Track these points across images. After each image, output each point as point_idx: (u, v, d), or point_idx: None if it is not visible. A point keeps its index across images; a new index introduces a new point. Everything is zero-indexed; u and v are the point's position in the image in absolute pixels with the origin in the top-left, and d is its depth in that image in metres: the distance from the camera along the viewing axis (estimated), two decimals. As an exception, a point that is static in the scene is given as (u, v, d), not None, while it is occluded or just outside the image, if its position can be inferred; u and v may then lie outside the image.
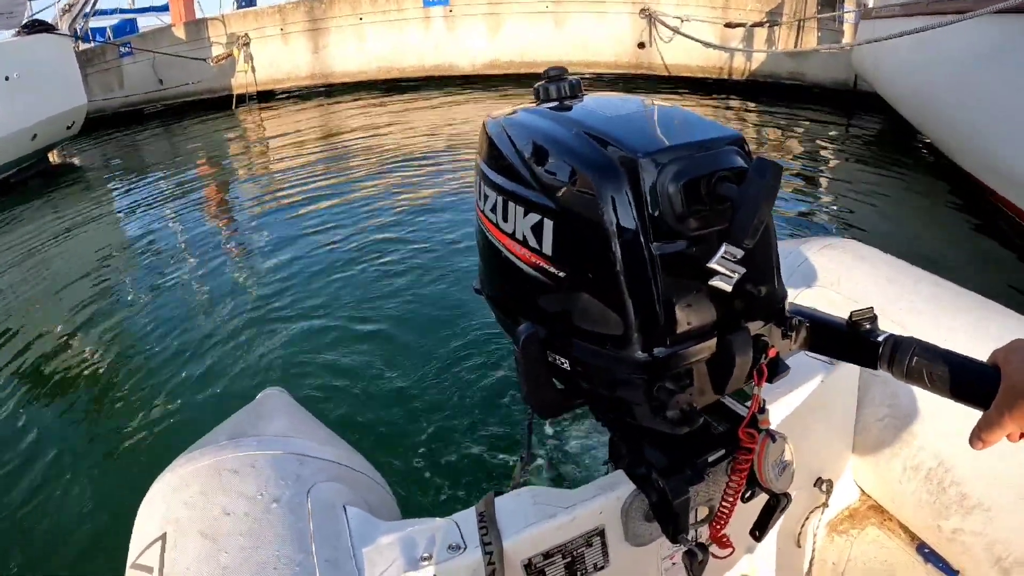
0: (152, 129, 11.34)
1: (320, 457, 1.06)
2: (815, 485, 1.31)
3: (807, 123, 8.56)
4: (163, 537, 0.90)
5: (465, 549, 0.89)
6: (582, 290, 0.78)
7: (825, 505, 1.33)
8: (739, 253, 0.70)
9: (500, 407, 2.96)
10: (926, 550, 1.27)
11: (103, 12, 17.49)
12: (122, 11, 18.95)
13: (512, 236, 0.85)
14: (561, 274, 0.80)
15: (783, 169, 0.73)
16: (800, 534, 1.34)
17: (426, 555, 0.87)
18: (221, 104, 12.29)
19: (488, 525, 0.89)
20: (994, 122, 4.58)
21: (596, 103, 0.91)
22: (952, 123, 5.39)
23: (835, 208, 5.73)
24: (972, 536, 1.15)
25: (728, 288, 0.71)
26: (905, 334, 0.79)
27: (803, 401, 1.18)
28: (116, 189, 7.89)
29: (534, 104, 0.94)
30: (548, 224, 0.79)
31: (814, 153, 7.51)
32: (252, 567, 0.83)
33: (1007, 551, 1.10)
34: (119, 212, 6.98)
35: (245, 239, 5.64)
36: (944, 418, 1.21)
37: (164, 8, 14.35)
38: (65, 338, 4.14)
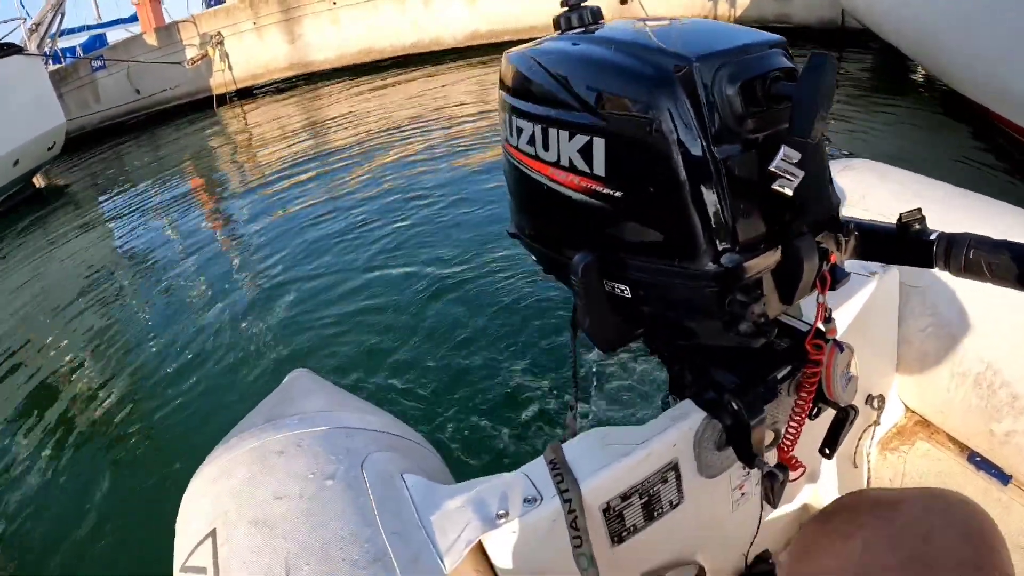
0: (135, 140, 11.29)
1: (367, 428, 1.02)
2: (867, 403, 1.30)
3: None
4: (212, 533, 0.84)
5: (542, 500, 0.84)
6: (641, 208, 0.75)
7: (877, 423, 1.33)
8: (797, 156, 0.67)
9: (534, 360, 2.92)
10: (977, 459, 1.26)
11: (71, 31, 17.40)
12: (89, 27, 18.83)
13: (556, 164, 0.81)
14: (617, 194, 0.76)
15: (838, 63, 0.68)
16: (856, 454, 1.34)
17: (502, 511, 0.83)
18: (202, 106, 12.24)
19: (562, 472, 0.85)
20: (1000, 46, 4.50)
21: (625, 25, 0.87)
22: (954, 50, 5.31)
23: (841, 139, 5.68)
24: None
25: (789, 192, 0.68)
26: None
27: (849, 317, 1.15)
28: (106, 205, 7.83)
29: (556, 34, 0.90)
30: (598, 143, 0.75)
31: (809, 91, 7.45)
32: (315, 550, 0.78)
33: None
34: (112, 227, 6.93)
35: (243, 237, 5.60)
36: (987, 321, 1.19)
37: (132, 19, 14.28)
38: (73, 353, 4.13)
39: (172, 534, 0.93)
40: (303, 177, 6.66)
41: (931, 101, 6.27)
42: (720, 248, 0.72)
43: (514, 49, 0.92)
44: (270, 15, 12.40)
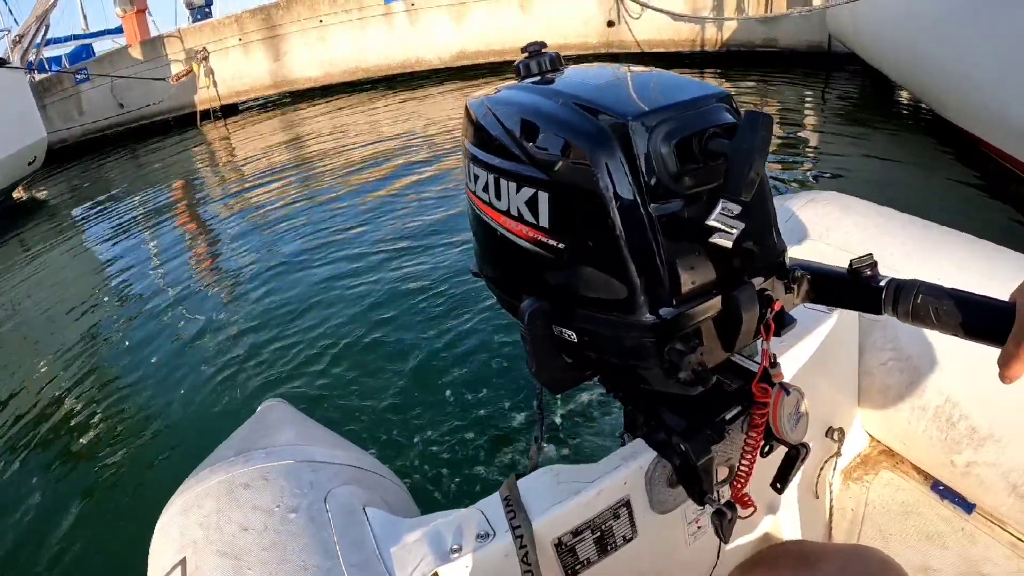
0: (117, 154, 11.23)
1: (332, 462, 1.05)
2: (826, 435, 1.32)
3: (785, 88, 8.62)
4: (182, 563, 0.88)
5: (495, 535, 0.88)
6: (583, 260, 0.78)
7: (838, 454, 1.34)
8: (736, 208, 0.69)
9: (504, 392, 2.95)
10: (941, 487, 1.28)
11: (57, 40, 17.36)
12: (76, 37, 18.76)
13: (507, 213, 0.84)
14: (560, 246, 0.79)
15: (774, 120, 0.72)
16: (817, 485, 1.36)
17: (456, 546, 0.86)
18: (186, 122, 12.19)
19: (515, 508, 0.88)
20: (987, 72, 4.55)
21: (579, 74, 0.91)
22: (940, 76, 5.34)
23: (821, 167, 5.76)
24: (986, 467, 1.16)
25: (728, 244, 0.71)
26: (904, 278, 0.80)
27: (807, 354, 1.18)
28: (86, 220, 7.79)
29: (516, 81, 0.93)
30: (543, 197, 0.78)
31: (794, 116, 7.55)
32: None
33: (1023, 477, 1.12)
34: (92, 243, 6.89)
35: (223, 257, 5.59)
36: (946, 355, 1.22)
37: (119, 30, 14.19)
38: (43, 375, 4.09)
39: (144, 563, 0.96)
40: (285, 198, 6.67)
41: (916, 127, 6.36)
42: (657, 300, 0.74)
43: (475, 95, 0.95)
44: (256, 31, 12.41)
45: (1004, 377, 0.67)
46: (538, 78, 0.92)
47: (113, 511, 2.80)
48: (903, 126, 6.58)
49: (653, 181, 0.73)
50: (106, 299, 5.23)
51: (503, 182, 0.83)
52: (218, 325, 4.20)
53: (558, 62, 0.94)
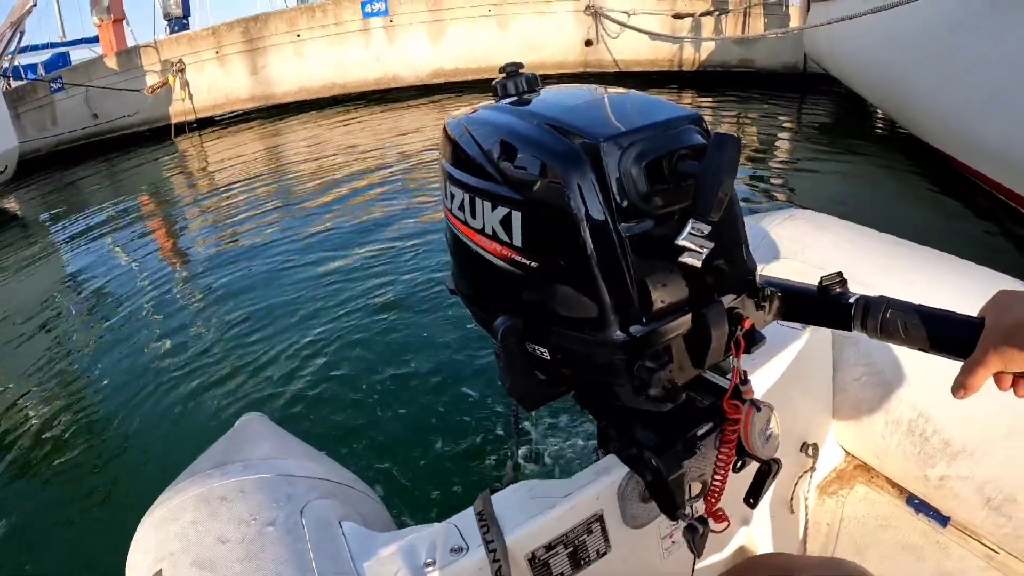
0: (91, 166, 11.01)
1: (309, 475, 1.05)
2: (801, 450, 1.34)
3: (761, 107, 8.77)
4: (159, 574, 0.88)
5: (468, 550, 0.88)
6: (555, 278, 0.80)
7: (813, 469, 1.37)
8: (706, 228, 0.71)
9: (481, 407, 2.95)
10: (916, 501, 1.31)
11: (34, 47, 17.13)
12: (53, 45, 18.56)
13: (481, 232, 0.86)
14: (533, 264, 0.80)
15: (742, 142, 0.74)
16: (792, 500, 1.38)
17: (429, 560, 0.87)
18: (160, 135, 12.02)
19: (488, 523, 0.89)
20: (962, 94, 4.62)
21: (554, 95, 0.93)
22: (915, 97, 5.42)
23: (796, 186, 5.87)
24: (959, 480, 1.19)
25: (698, 264, 0.72)
26: (874, 294, 0.82)
27: (780, 370, 1.20)
28: (58, 232, 7.64)
29: (494, 101, 0.95)
30: (516, 216, 0.80)
31: (770, 135, 7.68)
32: None
33: (996, 490, 1.14)
34: (63, 255, 6.76)
35: (198, 273, 5.52)
36: (918, 370, 1.25)
37: (96, 39, 14.01)
38: (14, 388, 4.00)
39: (121, 573, 0.96)
40: (260, 213, 6.62)
41: (890, 146, 6.49)
42: (628, 318, 0.76)
43: (454, 114, 0.96)
44: (233, 44, 12.33)
45: (959, 388, 0.70)
46: (515, 98, 0.93)
47: (90, 522, 2.76)
48: (877, 146, 6.72)
49: (624, 201, 0.75)
50: (78, 313, 5.15)
51: (478, 201, 0.85)
52: (194, 341, 4.15)
53: (535, 83, 0.96)
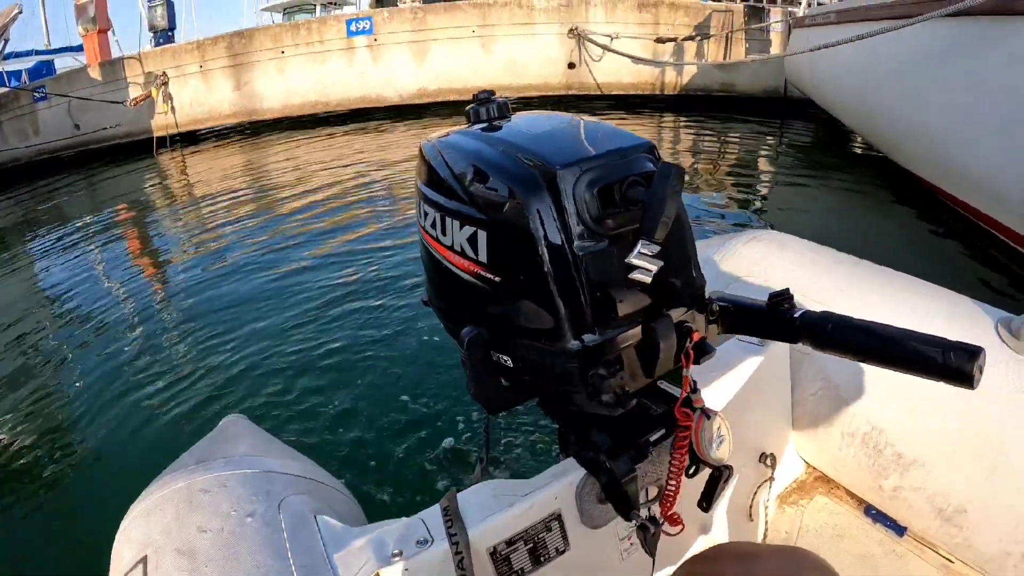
0: (71, 178, 10.90)
1: (288, 473, 1.11)
2: (760, 460, 1.39)
3: (742, 131, 8.88)
4: (143, 560, 0.93)
5: (433, 542, 0.94)
6: (517, 292, 0.86)
7: (772, 479, 1.41)
8: (655, 248, 0.76)
9: (451, 412, 3.04)
10: (873, 511, 1.35)
11: (18, 54, 16.93)
12: (37, 52, 18.38)
13: (451, 248, 0.92)
14: (496, 279, 0.87)
15: (685, 171, 0.83)
16: (751, 508, 1.42)
17: (396, 552, 0.92)
18: (142, 148, 11.90)
19: (453, 518, 0.95)
20: (941, 122, 4.70)
21: (523, 121, 1.00)
22: (895, 125, 5.51)
23: (771, 206, 5.99)
24: (912, 492, 1.24)
25: (647, 280, 0.77)
26: (833, 311, 0.87)
27: (739, 383, 1.26)
28: (35, 242, 7.58)
29: (466, 125, 1.02)
30: (482, 235, 0.87)
31: (750, 159, 7.77)
32: None
33: (947, 501, 1.19)
34: (40, 269, 6.68)
35: (175, 284, 5.53)
36: (872, 386, 1.31)
37: (81, 48, 13.89)
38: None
39: (106, 565, 1.01)
40: (240, 227, 6.64)
41: (867, 170, 6.62)
42: (581, 329, 0.82)
43: (430, 138, 1.03)
44: (218, 59, 12.29)
45: None
46: (485, 124, 1.01)
47: (76, 518, 2.79)
48: (853, 169, 6.84)
49: (578, 223, 0.82)
50: (54, 321, 5.13)
51: (448, 219, 0.92)
52: (173, 348, 4.18)
53: (505, 109, 1.03)
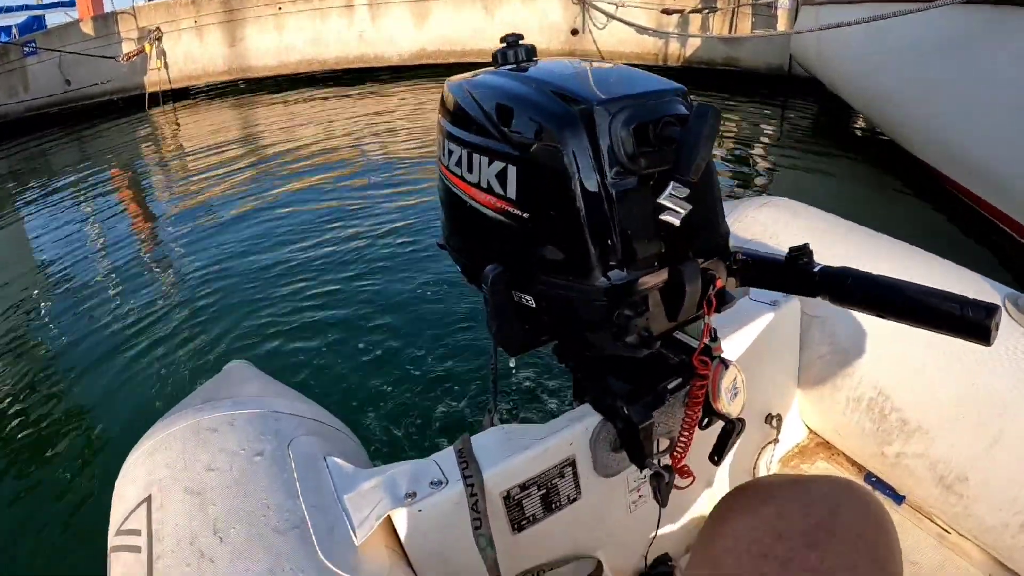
0: (61, 134, 10.72)
1: (296, 414, 1.09)
2: (765, 421, 1.41)
3: (744, 106, 8.81)
4: (147, 499, 0.90)
5: (447, 483, 0.93)
6: (545, 228, 0.85)
7: (776, 441, 1.43)
8: (686, 191, 0.76)
9: (460, 360, 3.06)
10: (873, 479, 1.37)
11: (9, 9, 16.57)
12: (28, 7, 18.03)
13: (477, 185, 0.91)
14: (525, 215, 0.86)
15: (722, 113, 0.80)
16: (755, 468, 1.44)
17: (410, 492, 0.92)
18: (134, 104, 11.71)
19: (468, 459, 0.94)
20: (949, 109, 4.68)
21: (551, 65, 0.99)
22: (902, 109, 5.47)
23: (774, 179, 5.98)
24: (914, 459, 1.25)
25: (676, 222, 0.77)
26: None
27: (749, 340, 1.26)
28: (23, 200, 7.43)
29: (493, 68, 1.01)
30: (512, 171, 0.86)
31: (752, 134, 7.73)
32: (242, 516, 0.85)
33: (948, 469, 1.20)
34: (31, 226, 6.58)
35: (171, 239, 5.47)
36: (880, 351, 1.31)
37: (72, 3, 13.59)
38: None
39: (109, 506, 0.98)
40: (234, 183, 6.58)
41: (869, 150, 6.61)
42: (610, 267, 0.82)
43: (454, 78, 1.01)
44: (213, 14, 12.05)
45: None
46: (513, 66, 0.99)
47: (76, 465, 2.81)
48: (857, 149, 6.83)
49: (612, 160, 0.80)
50: (48, 278, 5.06)
51: (476, 156, 0.90)
52: (172, 299, 4.17)
53: (533, 53, 1.02)
